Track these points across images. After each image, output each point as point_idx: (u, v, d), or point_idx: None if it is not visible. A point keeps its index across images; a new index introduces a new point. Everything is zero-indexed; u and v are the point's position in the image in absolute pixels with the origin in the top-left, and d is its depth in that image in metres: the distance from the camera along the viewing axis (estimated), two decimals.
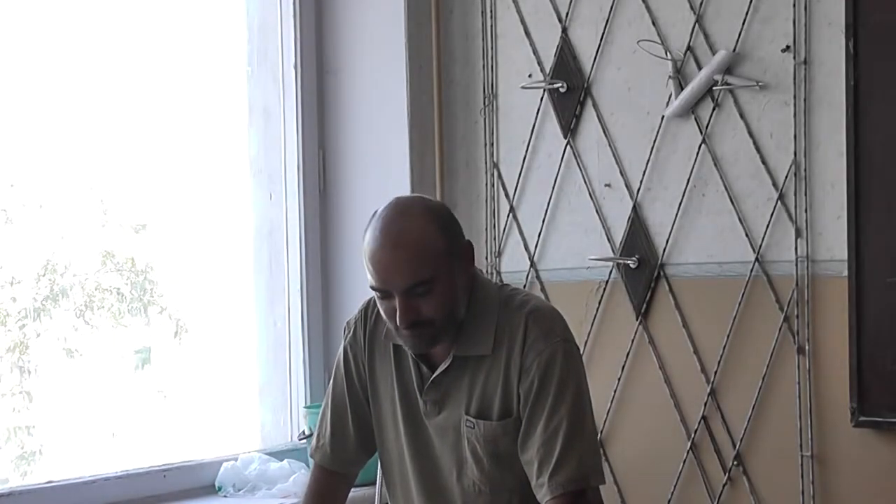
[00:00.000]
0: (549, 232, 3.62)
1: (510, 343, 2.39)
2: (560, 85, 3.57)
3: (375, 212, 2.38)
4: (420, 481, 2.51)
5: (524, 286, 3.60)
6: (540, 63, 3.61)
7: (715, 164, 3.33)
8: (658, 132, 3.42)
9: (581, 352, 2.58)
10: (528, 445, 2.38)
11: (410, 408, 2.49)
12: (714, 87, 3.30)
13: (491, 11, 3.70)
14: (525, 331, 2.38)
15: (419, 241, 2.32)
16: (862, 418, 3.09)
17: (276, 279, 3.88)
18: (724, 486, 3.33)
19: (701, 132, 3.34)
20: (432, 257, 2.32)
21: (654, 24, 3.40)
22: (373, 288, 2.35)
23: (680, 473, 3.38)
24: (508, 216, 3.69)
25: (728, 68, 3.27)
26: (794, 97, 3.20)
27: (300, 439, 3.68)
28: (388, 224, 2.33)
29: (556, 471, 2.34)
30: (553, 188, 3.60)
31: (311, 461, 2.69)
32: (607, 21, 3.49)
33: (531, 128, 3.63)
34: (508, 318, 2.41)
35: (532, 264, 3.64)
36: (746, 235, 3.29)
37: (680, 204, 3.38)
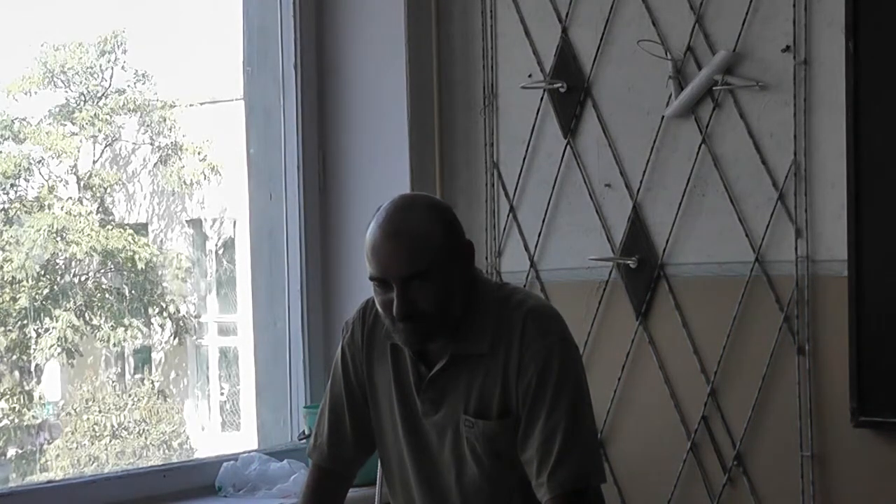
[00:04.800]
0: (549, 232, 3.63)
1: (508, 342, 2.39)
2: (560, 85, 3.57)
3: (379, 207, 2.40)
4: (420, 481, 2.51)
5: (524, 286, 3.60)
6: (540, 63, 3.62)
7: (715, 164, 3.33)
8: (658, 132, 3.42)
9: (581, 352, 2.58)
10: (528, 445, 2.38)
11: (409, 407, 2.49)
12: (714, 87, 3.30)
13: (491, 11, 3.70)
14: (523, 329, 2.39)
15: (420, 233, 2.34)
16: (862, 418, 3.09)
17: (276, 279, 3.89)
18: (724, 486, 3.33)
19: (701, 132, 3.34)
20: (431, 250, 2.33)
21: (654, 24, 3.40)
22: (371, 278, 2.37)
23: (680, 473, 3.38)
24: (508, 216, 3.69)
25: (728, 68, 3.28)
26: (794, 97, 3.20)
27: (300, 439, 3.68)
28: (390, 215, 2.36)
29: (556, 470, 2.34)
30: (553, 188, 3.60)
31: (309, 461, 2.69)
32: (607, 21, 3.49)
33: (531, 128, 3.63)
34: (506, 316, 2.41)
35: (532, 264, 3.64)
36: (746, 235, 3.29)
37: (680, 204, 3.38)
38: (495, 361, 2.41)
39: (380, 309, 2.40)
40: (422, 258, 2.32)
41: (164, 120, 11.19)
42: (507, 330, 2.40)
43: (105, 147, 11.43)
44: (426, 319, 2.35)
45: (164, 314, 11.12)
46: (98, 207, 11.04)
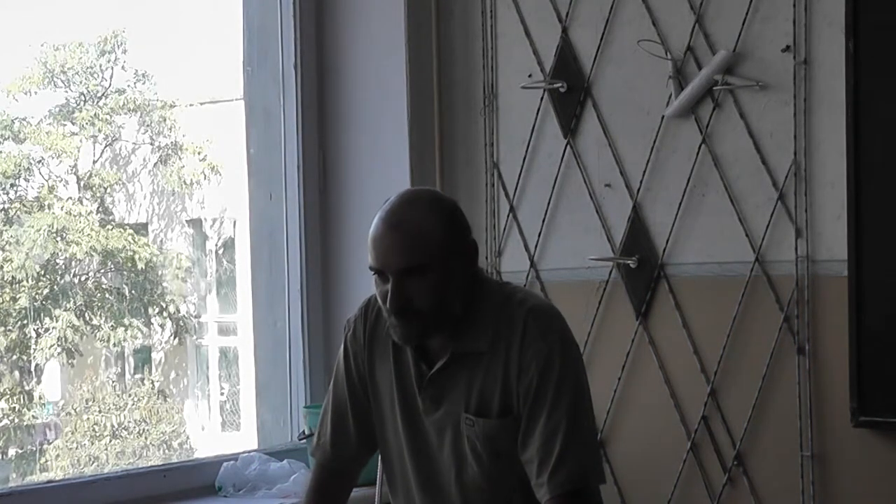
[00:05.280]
0: (549, 232, 3.63)
1: (509, 341, 2.39)
2: (560, 85, 3.57)
3: (388, 198, 2.41)
4: (420, 479, 2.51)
5: (524, 286, 3.60)
6: (540, 63, 3.62)
7: (715, 164, 3.33)
8: (658, 132, 3.42)
9: (581, 351, 2.58)
10: (528, 444, 2.38)
11: (410, 405, 2.49)
12: (714, 87, 3.30)
13: (491, 11, 3.70)
14: (524, 329, 2.39)
15: (420, 226, 2.35)
16: (862, 418, 3.09)
17: (276, 279, 3.89)
18: (724, 486, 3.33)
19: (701, 132, 3.34)
20: (430, 245, 2.34)
21: (654, 24, 3.40)
22: (371, 269, 2.38)
23: (680, 473, 3.38)
24: (508, 216, 3.69)
25: (728, 68, 3.28)
26: (794, 97, 3.20)
27: (300, 439, 3.68)
28: (394, 208, 2.38)
29: (556, 470, 2.34)
30: (553, 188, 3.60)
31: (311, 460, 2.68)
32: (607, 21, 3.49)
33: (531, 128, 3.63)
34: (507, 315, 2.41)
35: (532, 264, 3.64)
36: (746, 235, 3.29)
37: (680, 204, 3.38)
38: (496, 360, 2.41)
39: (379, 300, 2.42)
40: (419, 252, 2.33)
41: (164, 120, 11.19)
42: (508, 328, 2.40)
43: (105, 147, 11.44)
44: (420, 315, 2.35)
45: (164, 314, 11.12)
46: (98, 207, 11.04)
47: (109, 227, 10.76)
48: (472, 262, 2.45)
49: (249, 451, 3.64)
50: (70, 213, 10.39)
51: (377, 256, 2.36)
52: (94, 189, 10.96)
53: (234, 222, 11.07)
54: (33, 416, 10.13)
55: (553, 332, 2.40)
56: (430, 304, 2.34)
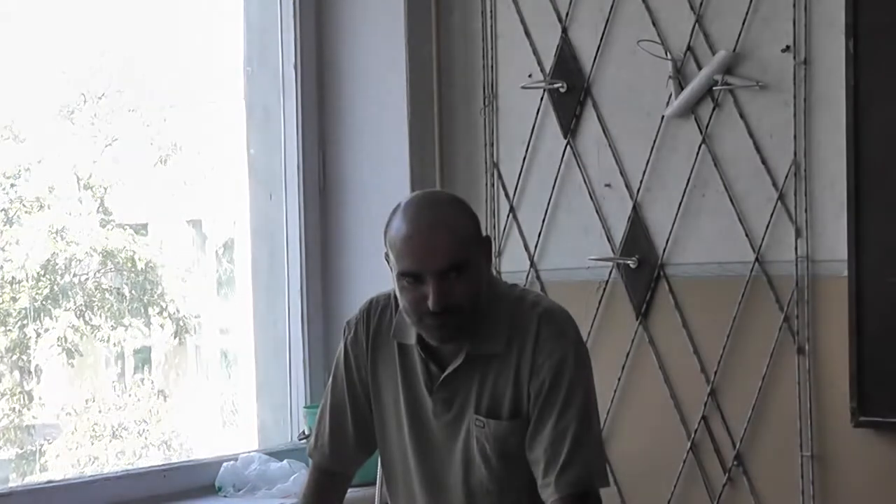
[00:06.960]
0: (549, 232, 3.62)
1: (521, 343, 2.39)
2: (560, 85, 3.57)
3: (399, 204, 2.39)
4: (424, 481, 2.50)
5: (524, 286, 3.59)
6: (540, 63, 3.61)
7: (715, 164, 3.33)
8: (658, 132, 3.42)
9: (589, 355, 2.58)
10: (536, 444, 2.38)
11: (417, 407, 2.48)
12: (714, 87, 3.30)
13: (491, 11, 3.70)
14: (537, 331, 2.39)
15: (455, 224, 2.35)
16: (862, 418, 3.09)
17: (276, 279, 3.89)
18: (724, 486, 3.33)
19: (701, 132, 3.34)
20: (465, 242, 2.34)
21: (654, 24, 3.40)
22: (403, 273, 2.33)
23: (680, 473, 3.38)
24: (508, 216, 3.69)
25: (728, 68, 3.28)
26: (794, 97, 3.20)
27: (300, 439, 3.68)
28: (420, 209, 2.36)
29: (563, 471, 2.34)
30: (553, 188, 3.60)
31: (309, 461, 2.68)
32: (607, 21, 3.49)
33: (531, 128, 3.63)
34: (520, 317, 2.41)
35: (532, 264, 3.64)
36: (746, 235, 3.29)
37: (680, 204, 3.38)
38: (508, 361, 2.41)
39: (408, 305, 2.36)
40: (458, 250, 2.32)
41: (165, 120, 11.18)
42: (521, 330, 2.40)
43: (105, 147, 11.43)
44: (460, 313, 2.33)
45: (164, 314, 11.10)
46: (98, 207, 11.03)
47: (109, 227, 10.74)
48: (491, 256, 2.48)
49: (249, 452, 3.64)
50: (70, 213, 10.37)
51: (413, 259, 2.31)
52: (94, 189, 10.95)
53: (234, 222, 11.06)
54: (33, 416, 10.12)
55: (566, 335, 2.41)
56: (468, 301, 2.34)
